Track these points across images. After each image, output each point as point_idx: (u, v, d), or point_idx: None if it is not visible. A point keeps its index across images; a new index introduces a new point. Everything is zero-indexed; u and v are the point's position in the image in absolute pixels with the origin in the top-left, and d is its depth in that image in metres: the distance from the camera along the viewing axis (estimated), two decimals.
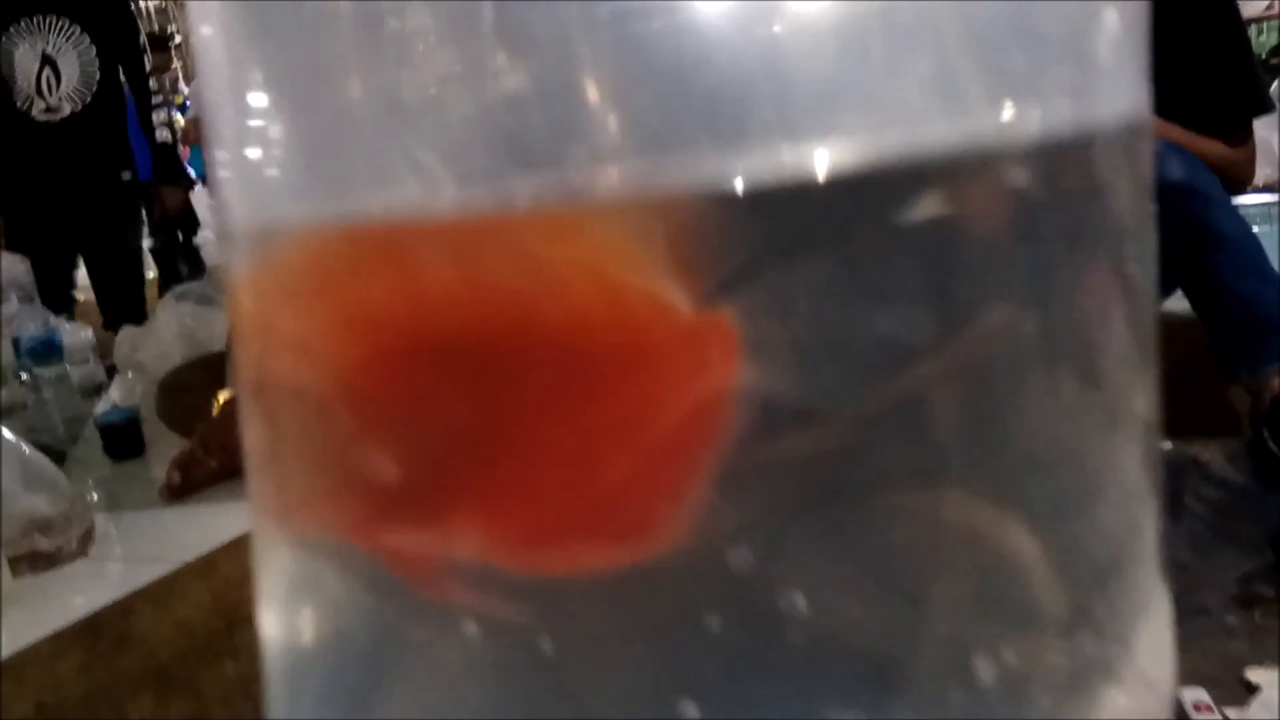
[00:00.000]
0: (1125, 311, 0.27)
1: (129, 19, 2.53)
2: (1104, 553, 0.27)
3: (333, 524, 0.27)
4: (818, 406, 0.24)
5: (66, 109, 2.37)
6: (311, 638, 0.29)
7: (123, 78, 2.47)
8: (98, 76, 2.40)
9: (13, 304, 1.49)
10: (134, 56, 2.51)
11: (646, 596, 0.26)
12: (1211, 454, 1.47)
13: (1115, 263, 0.27)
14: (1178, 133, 1.47)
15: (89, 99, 2.39)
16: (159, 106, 2.60)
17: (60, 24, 2.37)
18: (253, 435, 0.28)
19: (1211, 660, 1.09)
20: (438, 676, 0.27)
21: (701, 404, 0.25)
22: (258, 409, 0.27)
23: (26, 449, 1.13)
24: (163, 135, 2.62)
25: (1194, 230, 1.39)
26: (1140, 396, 0.28)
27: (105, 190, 2.47)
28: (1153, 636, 0.28)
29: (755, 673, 0.25)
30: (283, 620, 0.29)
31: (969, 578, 0.25)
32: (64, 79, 2.37)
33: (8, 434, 1.14)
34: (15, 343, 1.41)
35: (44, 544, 1.06)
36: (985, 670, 0.25)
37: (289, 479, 0.27)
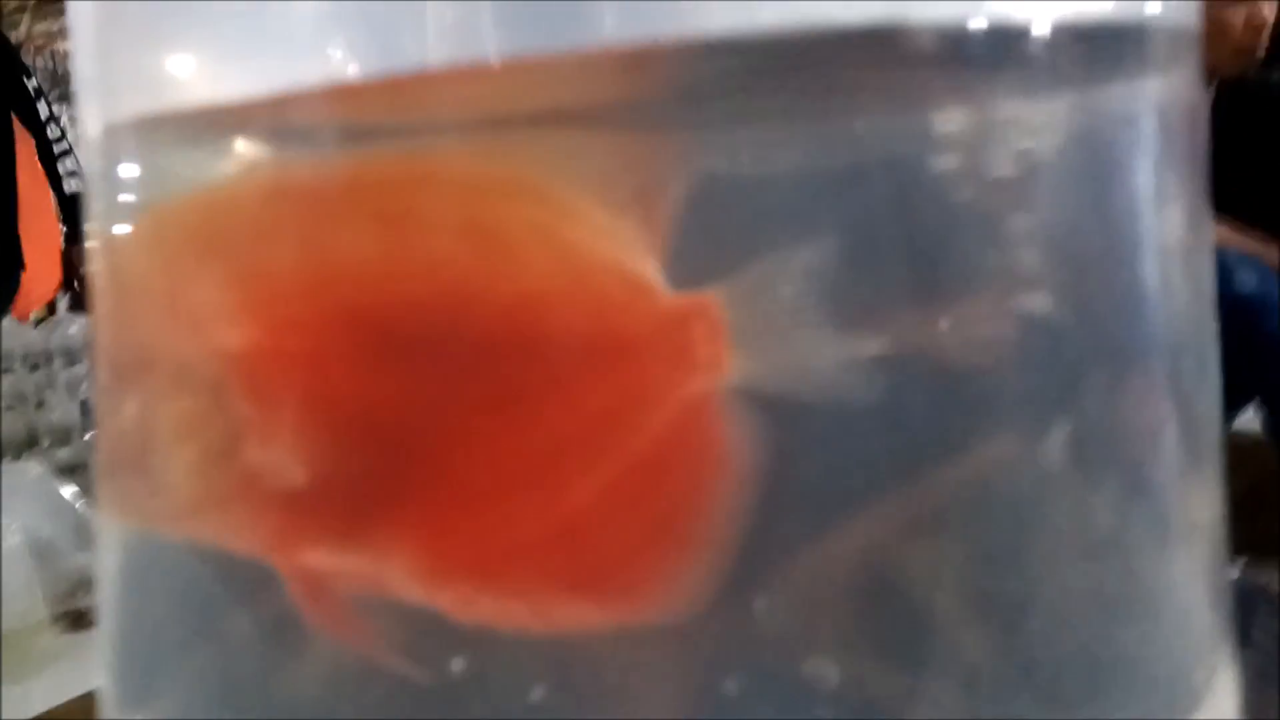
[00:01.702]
0: (1179, 425, 0.26)
1: (10, 63, 2.22)
2: (1156, 663, 0.25)
3: (229, 534, 0.22)
4: (825, 411, 0.21)
5: None
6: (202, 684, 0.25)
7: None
8: None
9: (84, 365, 1.55)
10: (23, 102, 2.21)
11: (637, 656, 0.22)
12: None
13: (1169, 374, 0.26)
14: (1246, 241, 1.44)
15: None
16: (65, 154, 2.27)
17: None
18: (119, 423, 0.23)
19: None
20: None
21: (686, 410, 0.21)
22: (128, 392, 0.23)
23: (82, 507, 1.16)
24: (71, 186, 2.26)
25: (1268, 346, 1.35)
26: (1198, 509, 0.26)
27: None
28: None
29: None
30: (144, 664, 0.25)
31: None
32: None
33: (66, 493, 1.17)
34: (84, 403, 1.45)
35: (88, 603, 1.08)
36: None
37: (169, 478, 0.22)
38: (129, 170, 0.24)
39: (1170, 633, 0.25)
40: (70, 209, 2.32)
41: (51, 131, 2.30)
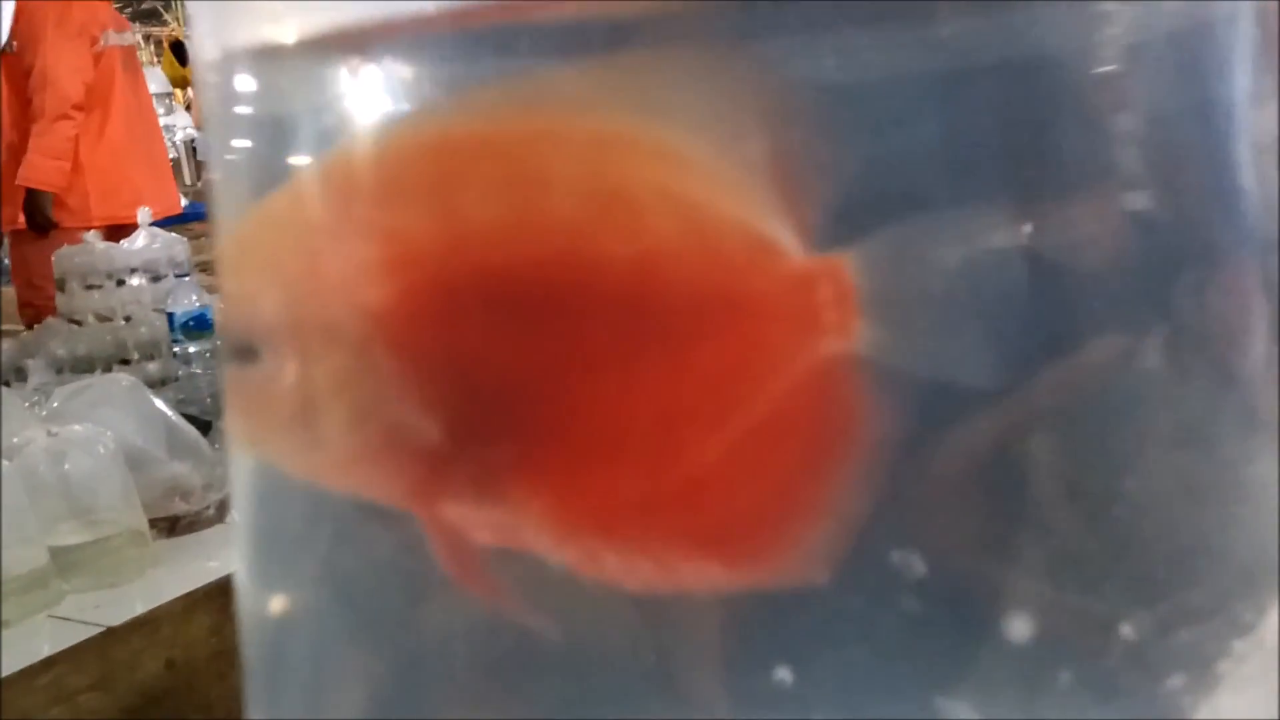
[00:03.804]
0: (1271, 321, 0.25)
1: None
2: (1240, 547, 0.25)
3: (378, 487, 0.23)
4: (954, 382, 0.21)
5: None
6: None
7: None
8: None
9: (169, 280, 1.58)
10: None
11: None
12: None
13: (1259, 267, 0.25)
14: None
15: None
16: None
17: None
18: (264, 378, 0.23)
19: None
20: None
21: (811, 374, 0.21)
22: (274, 346, 0.23)
23: (174, 417, 1.19)
24: None
25: None
26: None
27: None
28: None
29: (860, 639, 0.22)
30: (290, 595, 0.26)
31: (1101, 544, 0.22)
32: None
33: (158, 403, 1.21)
34: (170, 317, 1.49)
35: (183, 508, 1.11)
36: (1115, 642, 0.22)
37: (326, 433, 0.23)
38: (246, 98, 0.24)
39: (1254, 520, 0.25)
40: None
41: None
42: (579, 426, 0.21)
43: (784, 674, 0.21)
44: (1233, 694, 0.23)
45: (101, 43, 2.46)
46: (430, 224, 0.21)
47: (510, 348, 0.21)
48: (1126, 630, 0.22)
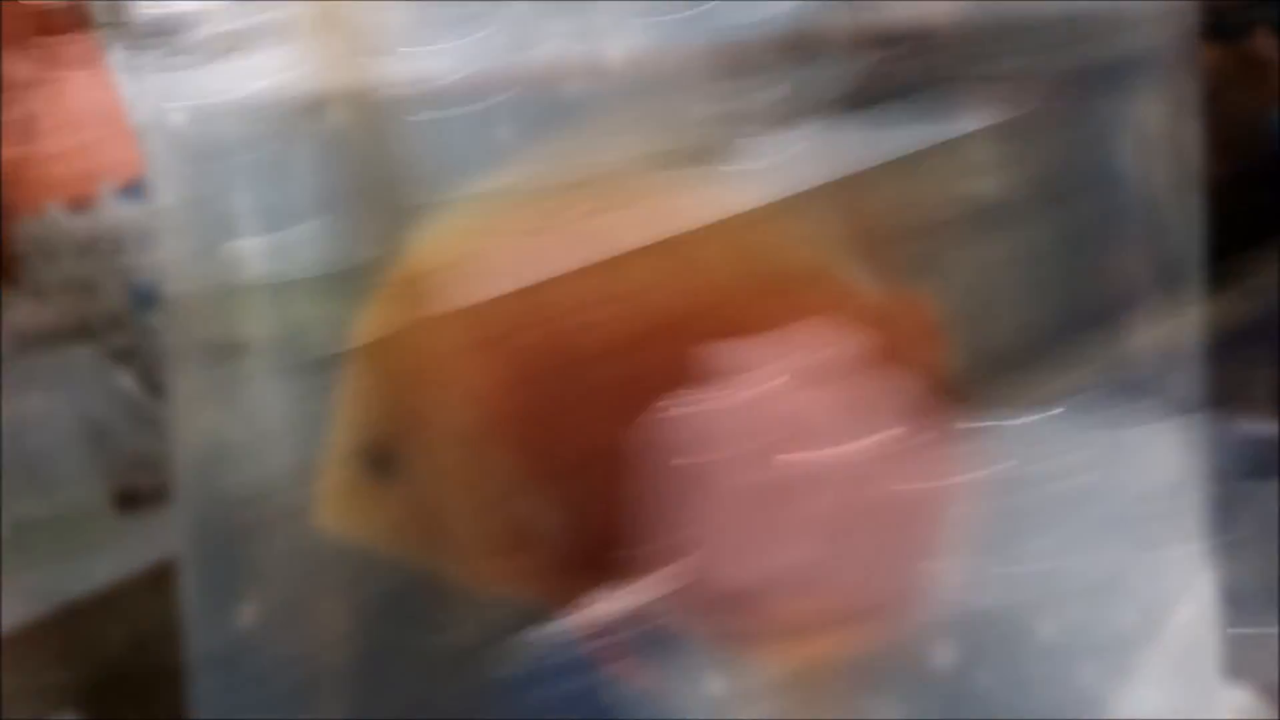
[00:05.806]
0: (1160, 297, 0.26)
1: None
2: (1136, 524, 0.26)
3: (514, 584, 0.24)
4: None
5: None
6: None
7: None
8: None
9: (132, 253, 1.56)
10: None
11: None
12: None
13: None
14: None
15: None
16: None
17: None
18: (410, 490, 0.24)
19: None
20: None
21: (908, 422, 0.22)
22: (419, 459, 0.24)
23: (136, 390, 1.18)
24: None
25: None
26: (1175, 379, 0.27)
27: None
28: (1191, 625, 0.26)
29: None
30: None
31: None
32: None
33: (120, 376, 1.20)
34: (133, 290, 1.47)
35: (146, 481, 1.11)
36: (1028, 637, 0.22)
37: (458, 536, 0.24)
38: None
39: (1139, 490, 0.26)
40: None
41: None
42: (691, 505, 0.22)
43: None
44: (1146, 687, 0.24)
45: None
46: (520, 314, 0.22)
47: (613, 430, 0.21)
48: (1038, 625, 0.22)
